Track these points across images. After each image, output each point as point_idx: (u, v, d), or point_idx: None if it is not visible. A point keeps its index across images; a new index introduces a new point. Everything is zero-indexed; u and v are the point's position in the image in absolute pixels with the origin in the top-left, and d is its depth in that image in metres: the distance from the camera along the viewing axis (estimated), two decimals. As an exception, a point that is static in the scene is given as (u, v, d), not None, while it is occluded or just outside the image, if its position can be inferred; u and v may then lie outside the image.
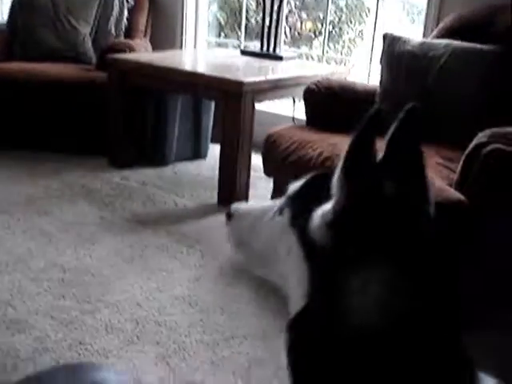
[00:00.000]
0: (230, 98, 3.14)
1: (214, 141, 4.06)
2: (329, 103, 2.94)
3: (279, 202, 0.91)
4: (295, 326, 0.79)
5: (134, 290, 2.36)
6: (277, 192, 2.83)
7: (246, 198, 3.28)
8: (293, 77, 3.51)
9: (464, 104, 2.65)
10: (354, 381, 0.72)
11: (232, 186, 3.21)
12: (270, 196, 2.87)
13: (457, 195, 2.05)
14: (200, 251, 2.72)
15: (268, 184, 2.93)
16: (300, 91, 3.11)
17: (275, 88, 3.37)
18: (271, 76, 3.44)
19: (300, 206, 0.83)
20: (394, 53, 2.88)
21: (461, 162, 2.11)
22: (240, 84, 3.08)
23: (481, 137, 2.08)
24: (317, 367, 0.75)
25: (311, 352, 0.76)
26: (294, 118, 3.56)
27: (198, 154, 4.05)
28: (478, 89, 2.64)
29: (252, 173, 3.30)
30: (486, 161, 1.99)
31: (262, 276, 0.98)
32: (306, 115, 3.03)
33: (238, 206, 1.00)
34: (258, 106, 3.80)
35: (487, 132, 2.09)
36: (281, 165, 2.66)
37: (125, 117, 3.74)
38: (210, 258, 2.66)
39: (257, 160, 3.08)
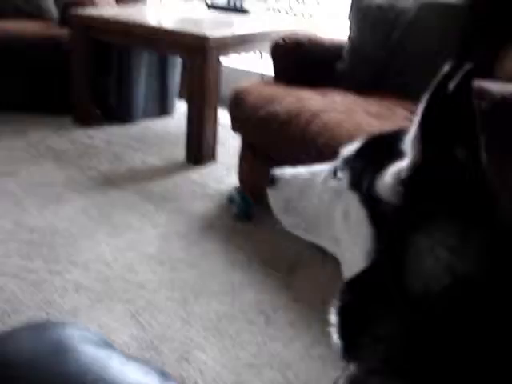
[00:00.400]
0: (195, 53, 3.09)
1: (181, 97, 4.01)
2: (296, 58, 2.90)
3: (329, 165, 0.89)
4: (352, 288, 0.79)
5: (103, 249, 2.35)
6: (245, 149, 2.81)
7: (213, 154, 3.27)
8: (260, 31, 3.47)
9: (432, 58, 2.64)
10: (411, 343, 0.71)
11: (199, 142, 3.19)
12: (238, 153, 2.85)
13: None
14: (168, 209, 2.71)
15: (236, 141, 2.91)
16: (267, 46, 3.06)
17: (241, 42, 3.32)
18: (237, 30, 3.38)
19: (360, 168, 0.80)
20: (362, 6, 2.85)
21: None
22: (205, 39, 3.03)
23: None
24: (374, 329, 0.74)
25: (369, 313, 0.75)
26: (262, 74, 3.52)
27: (164, 111, 4.01)
28: (448, 43, 2.62)
29: (221, 130, 3.27)
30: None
31: (311, 241, 0.95)
32: (274, 70, 3.00)
33: (283, 171, 0.95)
34: (227, 63, 3.75)
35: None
36: (248, 121, 2.64)
37: (89, 74, 3.67)
38: (178, 215, 2.66)
39: (226, 117, 3.06)
